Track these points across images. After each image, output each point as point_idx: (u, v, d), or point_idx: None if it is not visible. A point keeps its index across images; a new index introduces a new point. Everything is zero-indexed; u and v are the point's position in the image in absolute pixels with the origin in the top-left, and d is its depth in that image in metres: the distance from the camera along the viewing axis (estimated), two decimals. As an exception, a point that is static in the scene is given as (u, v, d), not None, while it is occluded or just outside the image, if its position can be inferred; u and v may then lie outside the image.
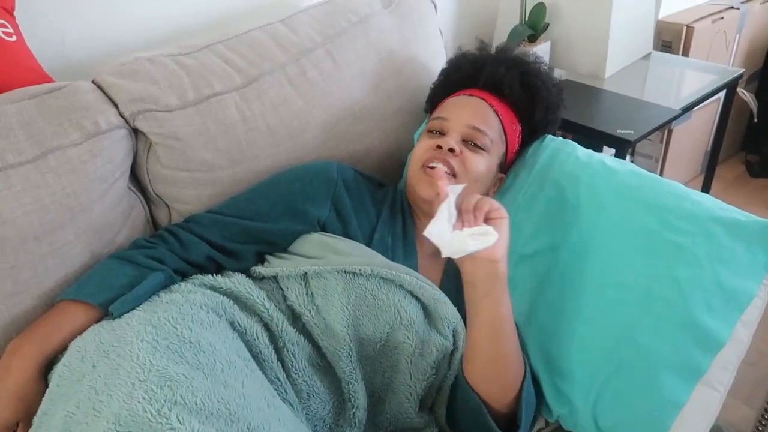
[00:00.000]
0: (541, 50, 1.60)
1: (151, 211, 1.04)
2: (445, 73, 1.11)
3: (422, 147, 0.99)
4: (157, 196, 1.02)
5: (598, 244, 0.90)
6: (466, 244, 0.74)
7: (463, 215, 0.78)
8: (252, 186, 0.99)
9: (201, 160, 1.00)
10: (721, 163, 2.51)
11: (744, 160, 2.58)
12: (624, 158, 1.32)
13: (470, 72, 1.06)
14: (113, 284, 0.81)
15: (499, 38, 1.70)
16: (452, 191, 0.78)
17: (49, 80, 0.99)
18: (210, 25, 1.27)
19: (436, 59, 1.25)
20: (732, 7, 2.18)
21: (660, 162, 2.17)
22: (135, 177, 1.01)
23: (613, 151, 1.35)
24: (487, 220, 0.78)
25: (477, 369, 0.84)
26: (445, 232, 0.74)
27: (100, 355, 0.70)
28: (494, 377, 0.84)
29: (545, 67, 1.08)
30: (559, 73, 1.67)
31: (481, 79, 1.05)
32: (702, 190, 1.88)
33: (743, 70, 1.70)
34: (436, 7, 1.30)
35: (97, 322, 0.78)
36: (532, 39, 1.61)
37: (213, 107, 1.00)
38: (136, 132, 0.98)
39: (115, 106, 0.95)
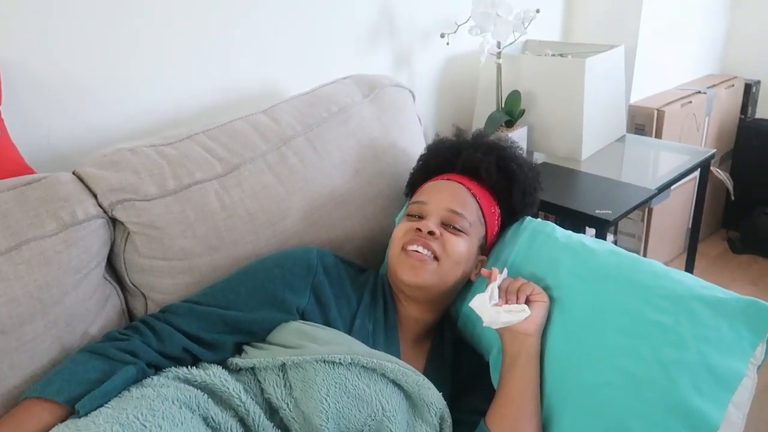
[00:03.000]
0: (518, 135, 1.65)
1: (127, 301, 1.02)
2: (424, 159, 1.14)
3: (402, 230, 0.99)
4: (134, 285, 1.00)
5: (582, 327, 0.89)
6: (500, 316, 0.90)
7: (508, 295, 0.93)
8: (230, 274, 0.98)
9: (179, 248, 0.99)
10: (703, 240, 2.54)
11: (726, 236, 2.61)
12: (605, 238, 1.33)
13: (448, 157, 1.09)
14: (81, 380, 0.78)
15: (477, 124, 1.76)
16: (499, 276, 0.96)
17: (31, 172, 0.99)
18: (193, 115, 1.31)
19: (414, 145, 1.29)
20: (699, 92, 2.29)
21: (643, 241, 2.19)
22: (111, 267, 1.00)
23: (594, 230, 1.37)
24: (529, 301, 0.92)
25: (503, 424, 0.86)
26: (485, 305, 0.91)
27: (62, 457, 0.66)
28: None
29: (521, 152, 1.11)
30: (537, 157, 1.71)
31: (458, 163, 1.07)
32: (686, 268, 1.88)
33: (714, 150, 1.76)
34: (414, 97, 1.35)
35: (63, 420, 0.75)
36: (510, 124, 1.67)
37: (193, 195, 1.01)
38: (114, 222, 0.97)
39: (94, 196, 0.95)
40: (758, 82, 2.58)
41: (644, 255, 2.18)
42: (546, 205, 1.41)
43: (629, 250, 1.02)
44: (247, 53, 1.36)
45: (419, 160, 1.15)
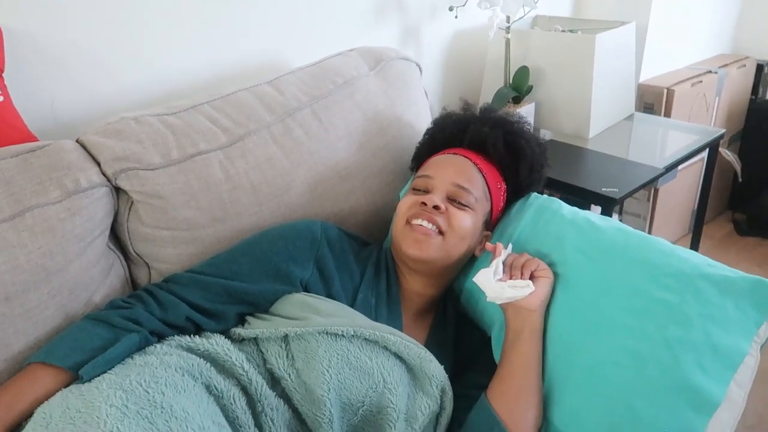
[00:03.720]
0: (525, 111, 1.63)
1: (130, 270, 1.02)
2: (430, 133, 1.13)
3: (407, 203, 0.98)
4: (137, 255, 1.00)
5: (587, 304, 0.88)
6: (504, 291, 0.90)
7: (512, 270, 0.92)
8: (234, 245, 0.97)
9: (183, 218, 0.99)
10: (708, 222, 2.52)
11: (731, 218, 2.60)
12: (610, 216, 1.32)
13: (455, 131, 1.08)
14: (85, 346, 0.78)
15: (484, 100, 1.74)
16: (503, 251, 0.95)
17: (34, 140, 0.99)
18: (198, 87, 1.29)
19: (421, 119, 1.27)
20: (710, 71, 2.26)
21: (648, 221, 2.17)
22: (115, 235, 1.00)
23: (599, 208, 1.36)
24: (533, 277, 0.91)
25: (504, 398, 0.86)
26: (489, 280, 0.91)
27: (66, 421, 0.67)
28: (518, 409, 0.85)
29: (529, 127, 1.10)
30: (544, 134, 1.69)
31: (465, 138, 1.06)
32: (691, 247, 1.88)
33: (724, 130, 1.74)
34: (421, 70, 1.34)
35: (66, 386, 0.75)
36: (517, 101, 1.65)
37: (197, 165, 1.00)
38: (117, 190, 0.97)
39: (98, 164, 0.95)
40: (770, 63, 2.54)
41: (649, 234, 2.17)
42: (552, 182, 1.39)
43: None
44: (253, 26, 1.34)
45: (426, 133, 1.14)
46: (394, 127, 1.21)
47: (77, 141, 0.97)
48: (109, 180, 0.95)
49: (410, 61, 1.31)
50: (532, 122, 1.67)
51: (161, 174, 0.97)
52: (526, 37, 1.69)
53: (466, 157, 1.02)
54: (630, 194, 1.34)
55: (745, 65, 2.44)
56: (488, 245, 0.97)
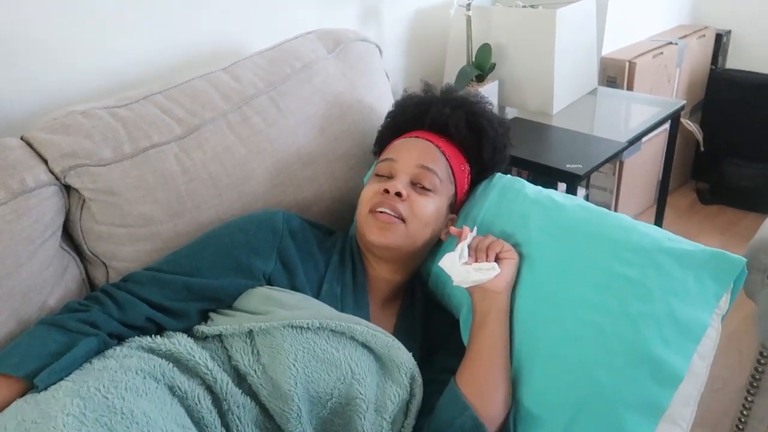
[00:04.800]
0: (489, 90, 1.62)
1: (87, 270, 0.99)
2: (392, 116, 1.11)
3: (370, 191, 0.97)
4: (93, 254, 0.97)
5: (551, 283, 0.89)
6: (470, 275, 0.89)
7: (478, 253, 0.91)
8: (194, 239, 0.95)
9: (138, 214, 0.95)
10: (672, 192, 2.57)
11: (695, 188, 2.65)
12: (575, 192, 1.33)
13: (416, 114, 1.06)
14: (40, 353, 0.75)
15: (448, 79, 1.72)
16: (469, 234, 0.94)
17: (-25, 138, 0.94)
18: (152, 76, 1.25)
19: (382, 101, 1.25)
20: (670, 43, 2.27)
21: (614, 194, 2.20)
22: (69, 235, 0.96)
23: (565, 185, 1.36)
24: (498, 259, 0.91)
25: (473, 380, 0.85)
26: (455, 265, 0.90)
27: (21, 433, 0.64)
28: (487, 391, 0.84)
29: (490, 107, 1.08)
30: (509, 111, 1.69)
31: (426, 120, 1.04)
32: (655, 220, 1.91)
33: (684, 101, 1.75)
34: (381, 51, 1.31)
35: (21, 395, 0.72)
36: (480, 79, 1.63)
37: (151, 159, 0.97)
38: (68, 189, 0.93)
39: (45, 162, 0.91)
40: (729, 32, 2.57)
41: (615, 208, 2.20)
42: (517, 160, 1.40)
43: (601, 204, 1.02)
44: (207, 9, 1.29)
45: (387, 117, 1.12)
46: (355, 110, 1.19)
47: (22, 138, 0.93)
48: (57, 178, 0.91)
49: (370, 43, 1.28)
50: (496, 100, 1.66)
51: (113, 169, 0.94)
52: (487, 13, 1.67)
53: (429, 140, 1.01)
54: (594, 170, 1.35)
55: (704, 35, 2.46)
56: (452, 229, 0.97)
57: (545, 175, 1.38)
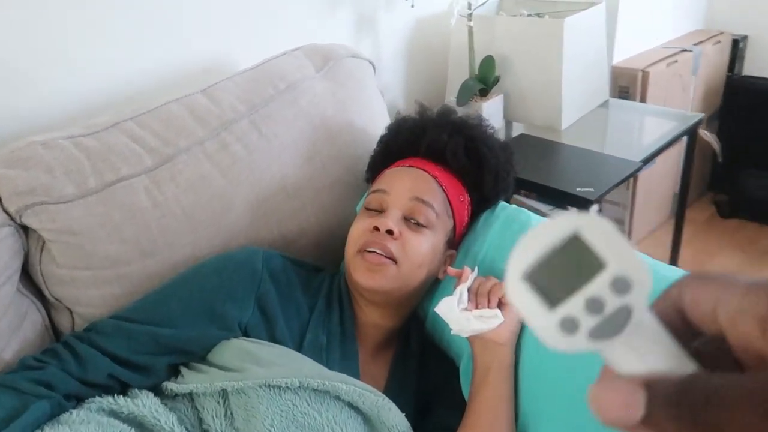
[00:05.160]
0: (493, 104, 1.52)
1: (50, 316, 0.90)
2: (384, 141, 1.02)
3: (359, 228, 0.88)
4: (56, 299, 0.88)
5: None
6: (470, 323, 0.79)
7: (479, 298, 0.82)
8: (165, 283, 0.86)
9: (104, 255, 0.87)
10: (690, 205, 2.45)
11: (713, 200, 2.53)
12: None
13: (410, 139, 0.97)
14: (-15, 420, 0.67)
15: (451, 93, 1.62)
16: (469, 276, 0.84)
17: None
18: (132, 98, 1.16)
19: (376, 122, 1.16)
20: (685, 50, 2.17)
21: (629, 209, 2.09)
22: (29, 277, 0.88)
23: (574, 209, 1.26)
24: (501, 305, 0.81)
25: None
26: (453, 311, 0.80)
27: None
28: None
29: (492, 131, 0.99)
30: (515, 127, 1.59)
31: (421, 147, 0.95)
32: (673, 237, 1.80)
33: (702, 114, 1.65)
34: (374, 67, 1.22)
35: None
36: (484, 93, 1.54)
37: (118, 194, 0.88)
38: (25, 229, 0.85)
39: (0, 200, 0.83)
40: (745, 38, 2.45)
41: (630, 224, 2.09)
42: (523, 182, 1.30)
43: (615, 220, 0.92)
44: (191, 24, 1.20)
45: (379, 142, 1.03)
46: (346, 133, 1.10)
47: (-26, 173, 0.85)
48: (12, 218, 0.83)
49: (362, 59, 1.19)
50: (500, 115, 1.56)
51: (76, 207, 0.85)
52: (489, 23, 1.57)
53: (424, 169, 0.92)
54: (606, 193, 1.25)
55: (720, 41, 2.35)
56: (450, 270, 0.87)
57: (554, 198, 1.28)
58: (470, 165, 0.94)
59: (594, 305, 0.22)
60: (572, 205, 1.25)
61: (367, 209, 0.90)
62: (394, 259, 0.83)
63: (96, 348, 0.77)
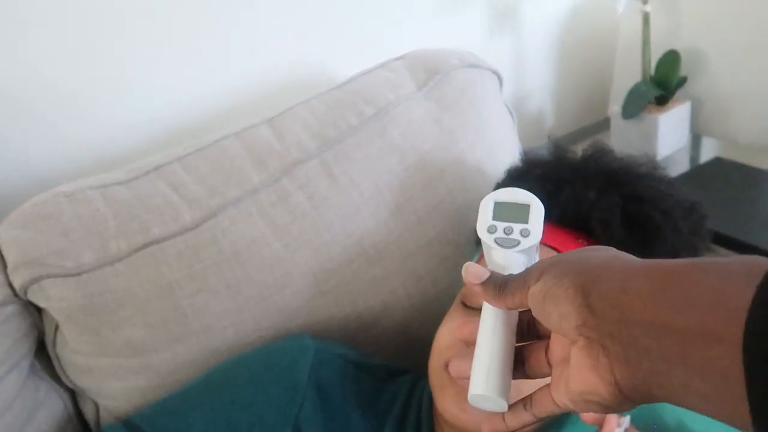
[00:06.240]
0: (676, 115, 1.13)
1: (76, 401, 0.75)
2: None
3: (448, 333, 0.60)
4: (78, 387, 0.73)
5: None
6: None
7: None
8: (194, 381, 0.67)
9: (124, 341, 0.69)
10: None
11: None
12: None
13: (539, 197, 0.65)
14: None
15: (616, 102, 1.24)
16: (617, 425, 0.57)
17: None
18: (210, 120, 0.98)
19: (497, 157, 0.85)
20: None
21: None
22: (48, 360, 0.73)
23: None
24: None
25: None
26: None
27: None
28: None
29: (669, 180, 0.64)
30: (708, 146, 1.17)
31: (555, 209, 0.63)
32: None
33: None
34: (501, 80, 0.91)
35: None
36: (662, 101, 1.15)
37: (144, 262, 0.69)
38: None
39: (5, 269, 0.68)
40: None
41: None
42: (714, 236, 0.90)
43: None
44: (279, 30, 1.00)
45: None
46: (451, 174, 0.81)
47: (-12, 235, 0.71)
48: (16, 294, 0.67)
49: (482, 69, 0.88)
50: (687, 129, 1.16)
51: (91, 280, 0.68)
52: (674, 6, 1.16)
53: (554, 248, 0.60)
54: None
55: None
56: (587, 417, 0.55)
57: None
58: (632, 239, 0.60)
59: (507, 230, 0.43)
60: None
61: (465, 305, 0.61)
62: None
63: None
